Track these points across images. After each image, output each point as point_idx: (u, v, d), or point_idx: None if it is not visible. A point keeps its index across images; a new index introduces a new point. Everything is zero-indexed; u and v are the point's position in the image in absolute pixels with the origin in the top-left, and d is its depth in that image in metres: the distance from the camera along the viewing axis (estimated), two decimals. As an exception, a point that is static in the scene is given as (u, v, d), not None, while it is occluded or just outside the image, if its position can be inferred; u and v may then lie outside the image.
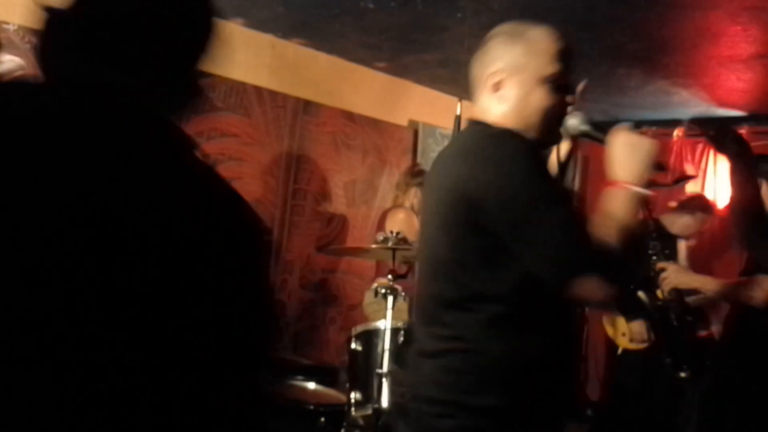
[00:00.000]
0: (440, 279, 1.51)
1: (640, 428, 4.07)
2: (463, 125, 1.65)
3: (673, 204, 4.46)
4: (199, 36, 0.93)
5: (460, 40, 3.83)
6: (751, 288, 2.92)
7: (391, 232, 3.26)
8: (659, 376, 3.81)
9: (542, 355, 1.47)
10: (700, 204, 4.35)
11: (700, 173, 5.32)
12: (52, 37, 0.87)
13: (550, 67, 1.52)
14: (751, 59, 3.88)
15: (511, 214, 1.40)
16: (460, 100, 4.64)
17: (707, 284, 3.10)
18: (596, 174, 5.24)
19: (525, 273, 1.41)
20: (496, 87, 1.54)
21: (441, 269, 1.51)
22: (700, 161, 5.40)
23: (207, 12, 0.94)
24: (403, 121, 5.09)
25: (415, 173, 4.27)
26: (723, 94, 4.70)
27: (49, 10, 0.88)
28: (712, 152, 5.39)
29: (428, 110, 5.14)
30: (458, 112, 4.13)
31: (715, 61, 3.98)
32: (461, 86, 4.86)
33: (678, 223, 4.24)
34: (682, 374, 3.45)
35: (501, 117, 1.54)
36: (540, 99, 1.53)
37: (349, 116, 4.67)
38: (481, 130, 1.54)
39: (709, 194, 5.00)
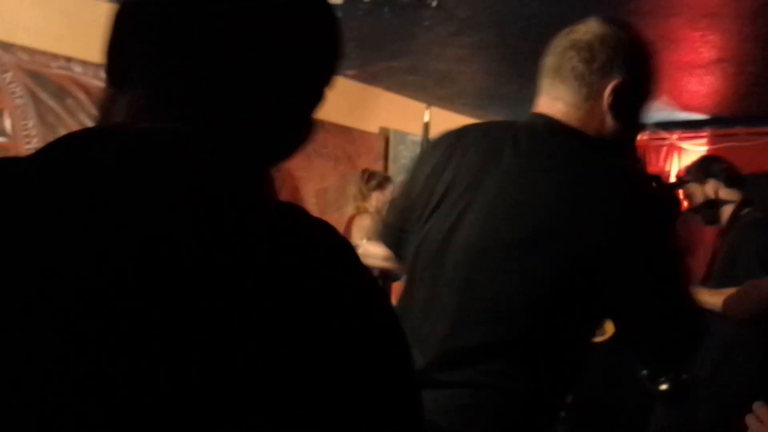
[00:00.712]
0: (492, 315, 1.26)
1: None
2: (539, 123, 1.32)
3: None
4: (318, 80, 0.73)
5: (427, 47, 3.88)
6: (745, 295, 2.92)
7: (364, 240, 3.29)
8: (628, 383, 3.70)
9: (572, 389, 1.37)
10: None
11: (665, 176, 5.44)
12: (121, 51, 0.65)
13: (653, 87, 1.35)
14: (710, 64, 3.99)
15: (640, 292, 1.23)
16: (428, 107, 4.70)
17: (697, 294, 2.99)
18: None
19: (597, 319, 1.28)
20: (614, 100, 1.27)
21: (501, 303, 1.25)
22: (664, 165, 5.53)
23: (333, 49, 0.73)
24: (374, 128, 5.13)
25: (368, 178, 4.32)
26: (685, 98, 4.81)
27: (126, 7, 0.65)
28: (676, 155, 5.52)
29: (398, 117, 5.18)
30: (426, 119, 4.18)
31: (676, 67, 4.08)
32: (430, 93, 4.94)
33: None
34: (663, 387, 3.21)
35: (603, 133, 1.29)
36: (637, 121, 1.33)
37: (320, 124, 4.68)
38: (602, 158, 1.27)
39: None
